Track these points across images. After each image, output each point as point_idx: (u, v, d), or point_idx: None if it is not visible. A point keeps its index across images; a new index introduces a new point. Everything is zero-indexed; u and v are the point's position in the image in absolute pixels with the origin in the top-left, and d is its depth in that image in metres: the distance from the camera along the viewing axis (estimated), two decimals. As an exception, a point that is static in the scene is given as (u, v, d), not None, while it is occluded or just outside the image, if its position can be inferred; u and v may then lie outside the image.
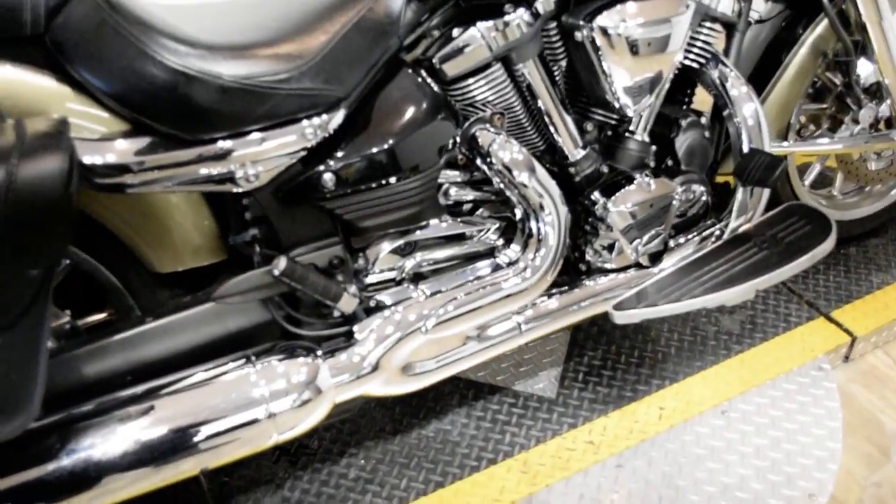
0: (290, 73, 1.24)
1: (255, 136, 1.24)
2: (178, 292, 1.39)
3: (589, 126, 1.62)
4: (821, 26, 1.84)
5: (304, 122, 1.27)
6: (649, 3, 1.46)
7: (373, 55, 1.33)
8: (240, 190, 1.27)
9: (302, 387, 1.31)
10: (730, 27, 1.70)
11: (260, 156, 1.25)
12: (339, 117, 1.31)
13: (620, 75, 1.48)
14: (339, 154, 1.33)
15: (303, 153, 1.29)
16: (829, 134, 1.97)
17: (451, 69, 1.43)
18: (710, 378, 1.82)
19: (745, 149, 1.66)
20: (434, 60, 1.43)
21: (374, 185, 1.35)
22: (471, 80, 1.46)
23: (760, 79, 1.88)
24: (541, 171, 1.45)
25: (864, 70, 1.85)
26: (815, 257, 1.60)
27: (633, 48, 1.46)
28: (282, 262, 1.31)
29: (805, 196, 2.06)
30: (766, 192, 1.68)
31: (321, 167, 1.32)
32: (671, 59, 1.53)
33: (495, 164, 1.43)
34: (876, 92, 1.90)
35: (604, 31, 1.44)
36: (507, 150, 1.43)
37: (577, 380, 1.81)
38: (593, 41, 1.45)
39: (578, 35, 1.46)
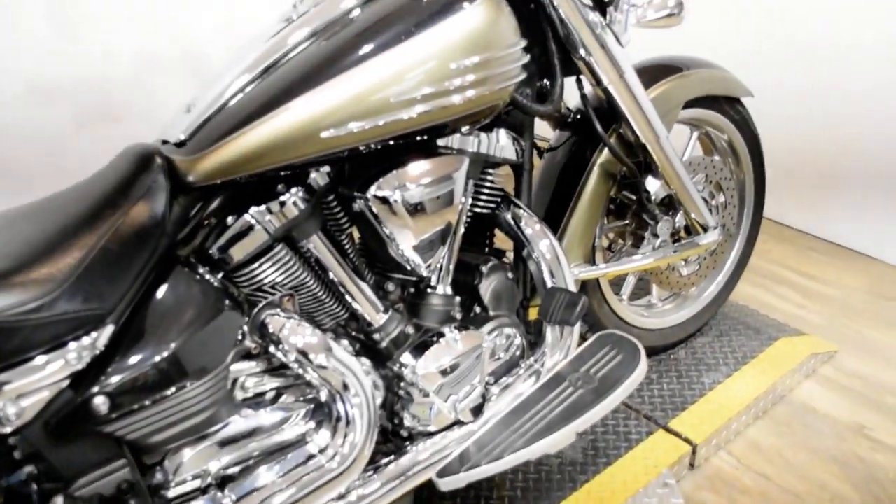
0: (40, 300, 1.14)
1: (10, 372, 1.14)
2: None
3: (390, 286, 1.59)
4: (606, 150, 1.90)
5: (69, 346, 1.18)
6: (422, 164, 1.45)
7: (139, 261, 1.26)
8: (4, 431, 1.16)
9: None
10: (516, 167, 1.72)
11: (20, 391, 1.15)
12: (106, 334, 1.21)
13: (406, 237, 1.46)
14: (112, 372, 1.23)
15: (69, 379, 1.19)
16: (634, 251, 2.01)
17: (232, 257, 1.38)
18: (559, 517, 1.77)
19: (548, 285, 1.66)
20: (212, 251, 1.37)
21: (155, 398, 1.26)
22: (254, 265, 1.40)
23: (561, 204, 1.92)
24: (338, 350, 1.39)
25: (653, 186, 1.91)
26: (629, 388, 1.60)
27: (413, 211, 1.44)
28: (58, 502, 1.19)
29: (624, 310, 2.09)
30: (576, 327, 1.68)
31: (93, 389, 1.21)
32: (456, 213, 1.53)
33: (289, 349, 1.37)
34: (669, 204, 1.96)
35: (380, 199, 1.42)
36: (299, 334, 1.37)
37: (423, 542, 1.72)
38: (371, 209, 1.43)
39: (356, 205, 1.44)
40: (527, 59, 1.53)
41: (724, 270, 2.31)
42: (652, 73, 1.94)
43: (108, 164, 1.35)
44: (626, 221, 2.03)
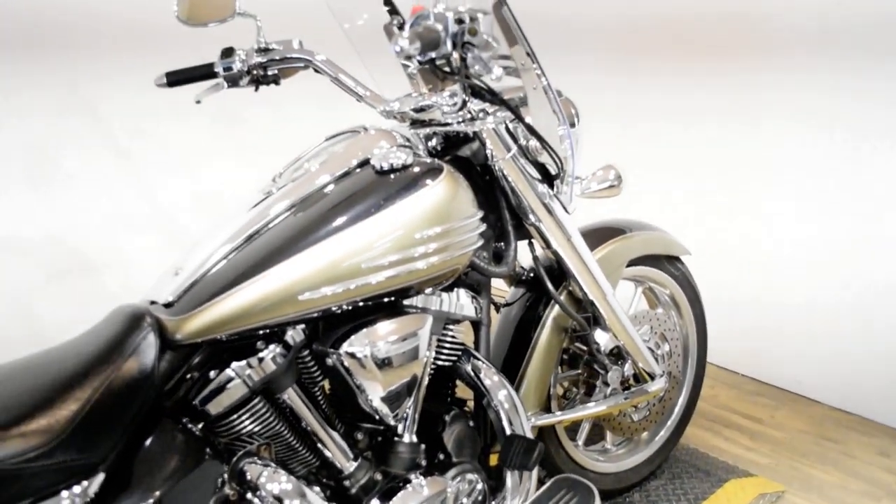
0: (39, 450, 1.24)
1: None
2: None
3: (359, 435, 1.70)
4: (557, 306, 2.06)
5: (62, 494, 1.27)
6: (389, 323, 1.60)
7: (129, 413, 1.36)
8: None
9: None
10: (475, 322, 1.87)
11: None
12: (97, 482, 1.31)
13: (374, 389, 1.59)
14: None
15: None
16: (587, 399, 2.15)
17: (213, 409, 1.49)
18: None
19: (507, 432, 1.78)
20: (195, 403, 1.49)
21: None
22: (234, 417, 1.52)
23: (517, 355, 2.06)
24: (311, 496, 1.49)
25: (602, 339, 2.08)
26: (584, 533, 1.70)
27: (380, 365, 1.58)
28: None
29: (580, 455, 2.21)
30: (535, 471, 1.79)
31: None
32: (420, 366, 1.66)
33: (266, 496, 1.46)
34: (618, 355, 2.12)
35: (351, 355, 1.56)
36: (275, 482, 1.47)
37: None
38: (343, 364, 1.56)
39: (329, 361, 1.57)
40: (483, 227, 1.72)
41: (673, 415, 2.45)
42: (597, 236, 2.14)
43: (101, 322, 1.48)
44: (579, 371, 2.18)
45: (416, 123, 1.81)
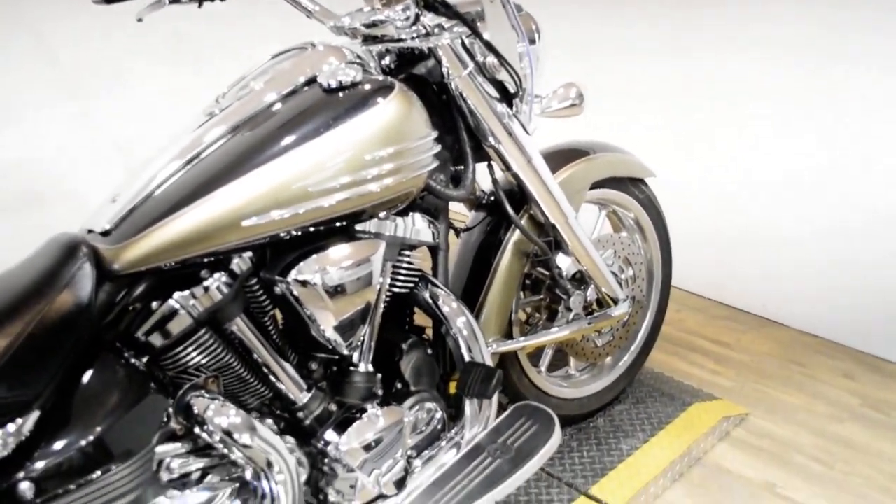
0: None
1: None
2: None
3: (313, 365, 1.65)
4: (518, 231, 2.00)
5: None
6: (340, 249, 1.53)
7: (64, 347, 1.30)
8: None
9: None
10: (433, 248, 1.81)
11: None
12: (32, 420, 1.25)
13: (326, 318, 1.53)
14: (38, 458, 1.26)
15: None
16: (549, 324, 2.11)
17: (157, 341, 1.43)
18: None
19: (466, 359, 1.74)
20: (138, 335, 1.42)
21: (80, 482, 1.29)
22: (179, 349, 1.45)
23: (478, 281, 2.01)
24: (263, 429, 1.45)
25: (564, 263, 2.02)
26: (545, 457, 1.68)
27: (332, 293, 1.52)
28: None
29: (543, 381, 2.18)
30: (494, 399, 1.76)
31: (18, 475, 1.24)
32: (374, 293, 1.60)
33: (214, 430, 1.41)
34: (581, 279, 2.08)
35: (301, 283, 1.49)
36: (223, 415, 1.41)
37: None
38: (292, 292, 1.50)
39: (277, 289, 1.51)
40: (438, 148, 1.64)
41: (637, 340, 2.42)
42: (559, 157, 2.07)
43: (34, 253, 1.40)
44: (541, 296, 2.14)
45: (368, 40, 1.72)
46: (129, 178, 1.51)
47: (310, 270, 1.49)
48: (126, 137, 3.16)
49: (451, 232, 1.93)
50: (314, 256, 1.50)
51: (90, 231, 1.44)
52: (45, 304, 1.30)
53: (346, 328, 1.57)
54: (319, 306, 1.52)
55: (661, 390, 2.52)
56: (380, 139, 1.52)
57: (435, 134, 1.64)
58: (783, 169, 2.85)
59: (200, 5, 1.76)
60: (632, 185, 2.27)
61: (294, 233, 1.48)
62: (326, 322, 1.54)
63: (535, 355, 2.24)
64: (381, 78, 1.60)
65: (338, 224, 1.53)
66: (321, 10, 1.76)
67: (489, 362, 1.76)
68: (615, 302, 2.13)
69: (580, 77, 2.03)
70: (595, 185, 2.14)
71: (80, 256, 1.36)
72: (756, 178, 2.93)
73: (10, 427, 1.22)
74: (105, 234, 1.42)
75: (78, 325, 1.32)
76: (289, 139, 1.46)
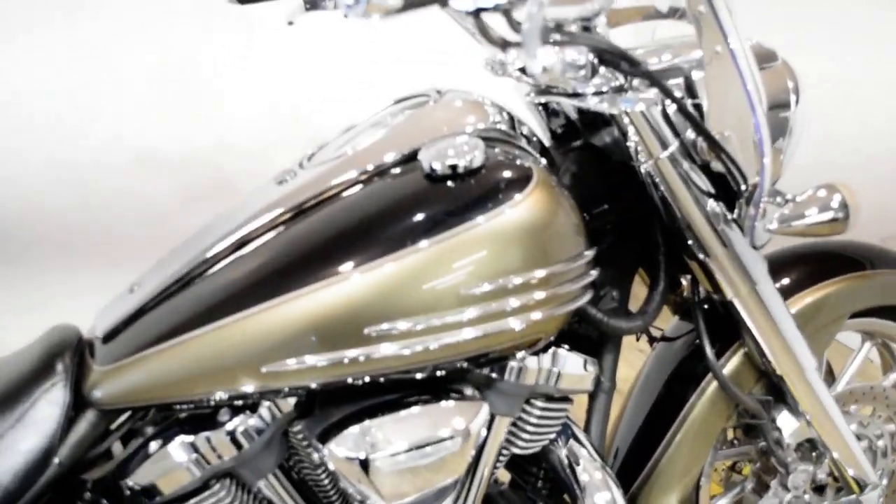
0: None
1: None
2: None
3: None
4: (737, 356, 1.38)
5: None
6: (412, 415, 1.05)
7: (14, 492, 0.96)
8: None
9: None
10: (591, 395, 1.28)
11: None
12: None
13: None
14: None
15: None
16: (755, 497, 1.49)
17: (150, 496, 1.05)
18: None
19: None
20: (126, 483, 1.05)
21: None
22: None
23: (659, 424, 1.43)
24: None
25: (789, 427, 1.38)
26: None
27: (395, 474, 1.04)
28: None
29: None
30: None
31: None
32: (466, 470, 1.11)
33: None
34: (811, 449, 1.43)
35: (346, 459, 1.03)
36: None
37: None
38: (331, 466, 1.04)
39: (315, 456, 1.06)
40: (593, 274, 1.10)
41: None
42: (806, 269, 1.42)
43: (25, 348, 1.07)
44: (745, 449, 1.51)
45: (540, 91, 1.19)
46: (161, 260, 1.12)
47: (357, 443, 1.02)
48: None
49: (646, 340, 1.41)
50: (368, 423, 1.03)
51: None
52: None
53: None
54: (370, 488, 1.05)
55: None
56: (496, 262, 1.02)
57: (591, 254, 1.09)
58: None
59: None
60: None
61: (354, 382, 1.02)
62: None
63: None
64: (517, 162, 1.07)
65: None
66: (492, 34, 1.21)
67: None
68: (861, 487, 1.45)
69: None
70: (858, 313, 1.47)
71: (57, 373, 1.00)
72: None
73: None
74: (106, 339, 1.05)
75: (37, 465, 0.98)
76: (358, 251, 1.00)
